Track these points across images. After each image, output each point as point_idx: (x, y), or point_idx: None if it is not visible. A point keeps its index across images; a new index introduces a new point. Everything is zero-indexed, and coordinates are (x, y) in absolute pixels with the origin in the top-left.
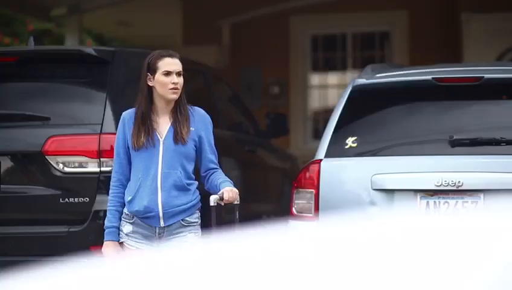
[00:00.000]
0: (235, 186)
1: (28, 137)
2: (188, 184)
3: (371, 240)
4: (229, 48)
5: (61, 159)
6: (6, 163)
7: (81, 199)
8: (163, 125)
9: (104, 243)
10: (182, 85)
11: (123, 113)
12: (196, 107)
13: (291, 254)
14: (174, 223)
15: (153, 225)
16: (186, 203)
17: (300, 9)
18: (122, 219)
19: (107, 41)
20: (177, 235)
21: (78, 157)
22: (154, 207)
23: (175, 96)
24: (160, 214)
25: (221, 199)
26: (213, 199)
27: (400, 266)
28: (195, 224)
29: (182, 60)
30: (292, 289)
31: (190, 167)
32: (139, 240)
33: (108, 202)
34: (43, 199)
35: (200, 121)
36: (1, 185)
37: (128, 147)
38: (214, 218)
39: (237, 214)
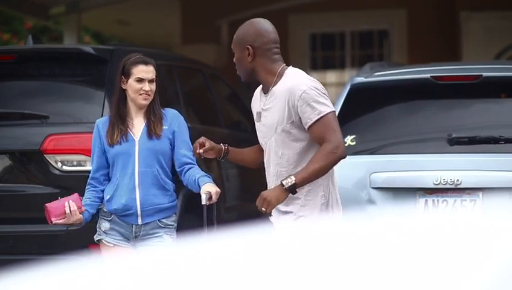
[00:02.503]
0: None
1: (26, 135)
2: (166, 183)
3: (370, 238)
4: (227, 47)
5: (59, 157)
6: (5, 162)
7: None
8: (138, 126)
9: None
10: (153, 92)
11: (97, 120)
12: (168, 108)
13: (290, 252)
14: (151, 222)
15: (130, 223)
16: (164, 204)
17: (299, 7)
18: (100, 216)
19: (106, 39)
20: (153, 235)
21: (77, 155)
22: (132, 205)
23: (145, 103)
24: (139, 212)
25: (210, 197)
26: (205, 198)
27: (399, 265)
28: (171, 227)
29: (159, 62)
30: (294, 287)
31: (168, 166)
32: (116, 238)
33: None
34: (42, 197)
35: (173, 119)
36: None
37: (104, 150)
38: (206, 216)
39: (215, 212)
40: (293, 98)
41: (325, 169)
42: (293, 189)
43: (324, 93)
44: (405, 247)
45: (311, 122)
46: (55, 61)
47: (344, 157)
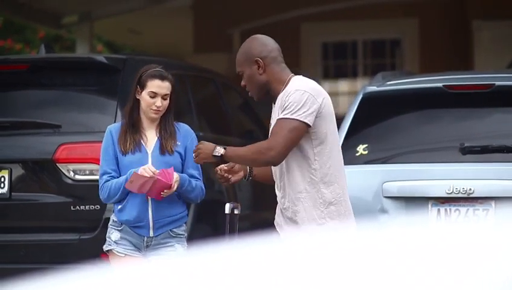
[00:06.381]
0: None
1: (38, 145)
2: (178, 195)
3: (382, 247)
4: None
5: (72, 166)
6: (17, 171)
7: (91, 207)
8: (151, 139)
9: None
10: (165, 108)
11: (108, 126)
12: (181, 123)
13: (300, 260)
14: (162, 233)
15: (142, 235)
16: (176, 215)
17: (311, 16)
18: (110, 226)
19: (118, 48)
20: (164, 245)
21: (89, 165)
22: (144, 217)
23: (155, 116)
24: (151, 224)
25: (235, 208)
26: (228, 207)
27: (411, 274)
28: (181, 236)
29: (175, 78)
30: None
31: None
32: (127, 247)
33: (108, 185)
34: (54, 206)
35: (186, 135)
36: (12, 193)
37: (117, 158)
38: (228, 226)
39: (237, 221)
40: (283, 101)
41: (249, 161)
42: (219, 159)
43: (309, 102)
44: (417, 256)
45: (276, 119)
46: (67, 70)
47: (272, 164)
